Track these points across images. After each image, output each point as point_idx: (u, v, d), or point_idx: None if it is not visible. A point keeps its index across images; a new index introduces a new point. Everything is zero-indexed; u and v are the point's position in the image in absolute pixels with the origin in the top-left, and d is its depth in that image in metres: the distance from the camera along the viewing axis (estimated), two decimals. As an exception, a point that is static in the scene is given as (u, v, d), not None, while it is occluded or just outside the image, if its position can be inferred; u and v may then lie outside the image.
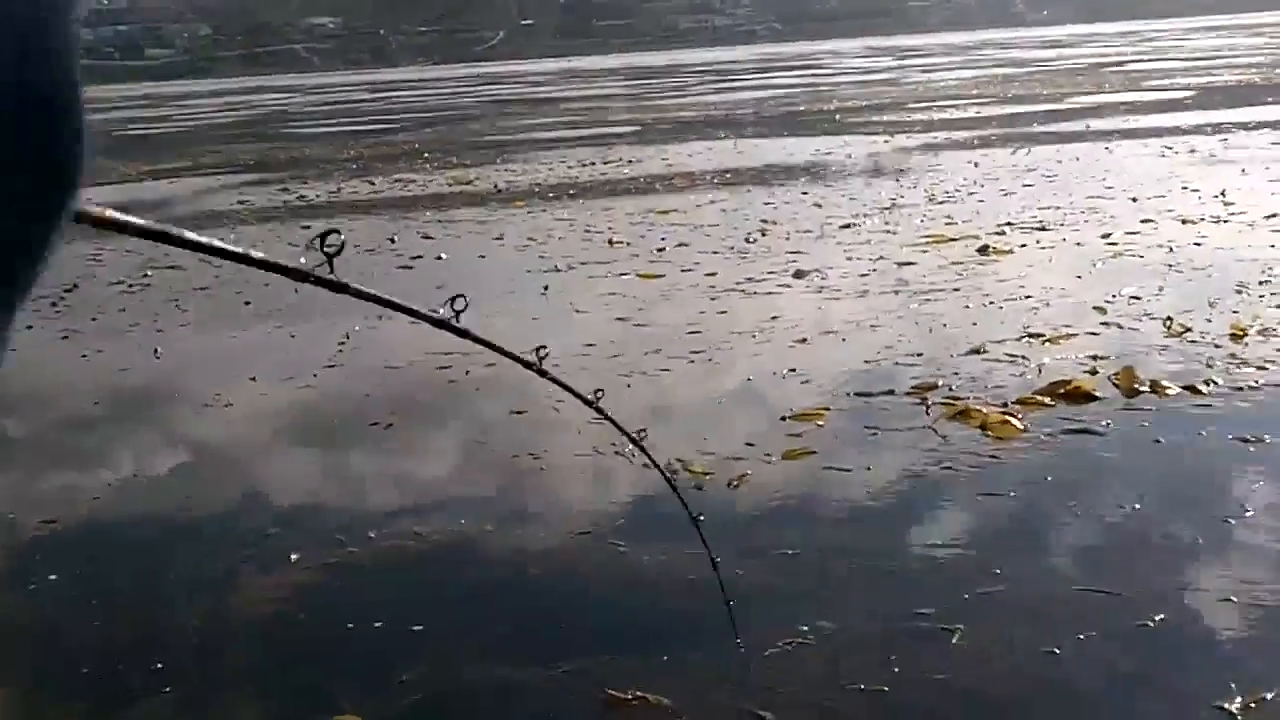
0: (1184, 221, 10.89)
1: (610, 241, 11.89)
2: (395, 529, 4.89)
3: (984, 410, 5.66)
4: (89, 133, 0.48)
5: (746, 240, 11.47)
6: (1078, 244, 10.27)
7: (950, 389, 6.13)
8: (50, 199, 0.48)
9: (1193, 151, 16.90)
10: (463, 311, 1.98)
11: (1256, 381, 5.96)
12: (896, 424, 5.71)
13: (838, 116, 28.88)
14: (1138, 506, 4.55)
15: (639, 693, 3.49)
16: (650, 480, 4.90)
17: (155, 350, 8.39)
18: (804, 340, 7.46)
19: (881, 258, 10.16)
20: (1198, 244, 9.78)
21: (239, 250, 1.38)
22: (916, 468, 5.14)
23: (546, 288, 9.75)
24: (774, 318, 8.12)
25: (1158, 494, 4.66)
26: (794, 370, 6.80)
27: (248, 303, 9.66)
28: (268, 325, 8.73)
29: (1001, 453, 5.23)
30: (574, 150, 23.22)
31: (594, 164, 20.43)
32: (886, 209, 13.00)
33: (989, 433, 5.42)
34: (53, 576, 4.62)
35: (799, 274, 9.57)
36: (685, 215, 13.53)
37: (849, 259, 10.20)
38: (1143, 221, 11.07)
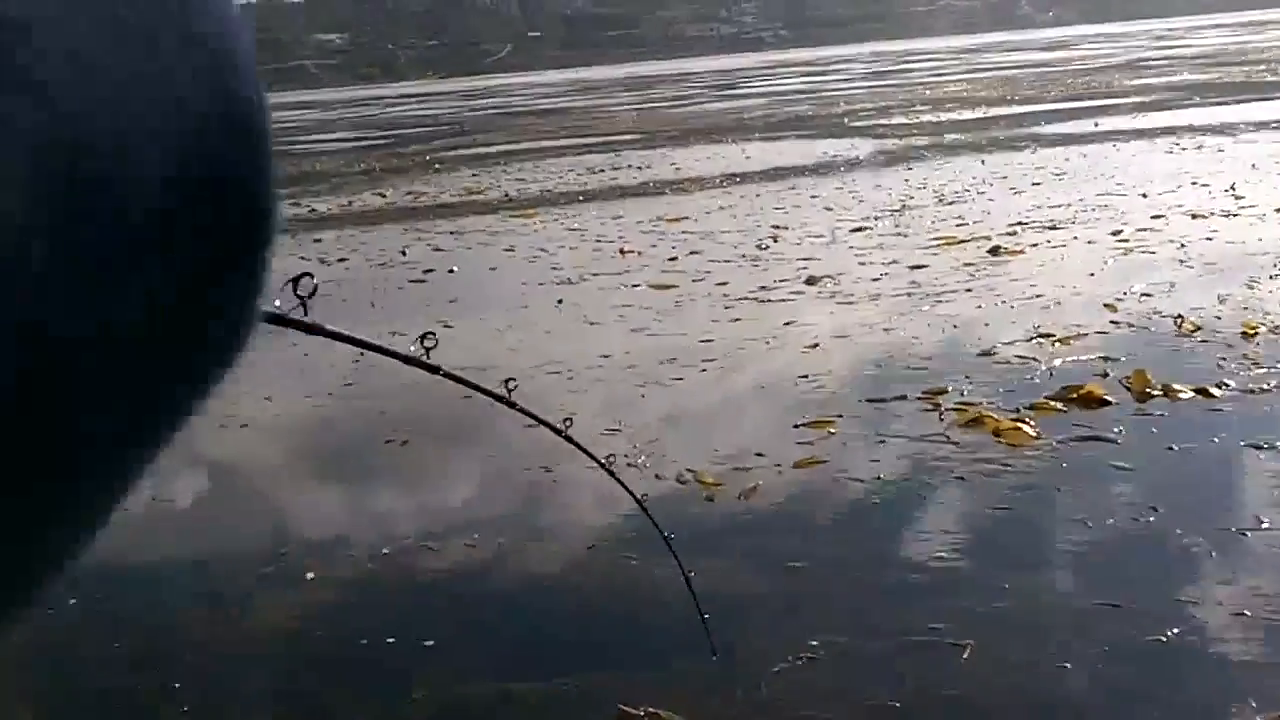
0: (1194, 216, 10.88)
1: (621, 251, 11.86)
2: (408, 545, 4.90)
3: (996, 417, 5.63)
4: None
5: (758, 247, 11.45)
6: (1089, 242, 10.27)
7: (962, 394, 6.11)
8: (253, 238, 0.37)
9: (1201, 147, 16.88)
10: (433, 348, 1.97)
11: (1268, 384, 5.93)
12: (908, 431, 5.68)
13: (846, 120, 28.89)
14: (1150, 518, 4.50)
15: (651, 708, 3.48)
16: (660, 492, 4.94)
17: None
18: (816, 346, 7.45)
19: (894, 261, 10.15)
20: (1208, 239, 9.78)
21: None
22: (928, 477, 5.11)
23: (560, 301, 9.72)
24: (786, 324, 8.12)
25: (1170, 504, 4.60)
26: (805, 377, 6.79)
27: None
28: (283, 343, 8.57)
29: (1013, 460, 5.19)
30: (583, 158, 23.24)
31: (603, 171, 20.45)
32: (897, 211, 13.00)
33: (1001, 439, 5.39)
34: (71, 601, 4.62)
35: (811, 280, 9.55)
36: (696, 223, 13.52)
37: (861, 263, 10.19)
38: (1153, 217, 11.07)
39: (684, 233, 12.81)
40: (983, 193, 13.93)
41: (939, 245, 10.70)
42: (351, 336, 1.73)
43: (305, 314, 1.45)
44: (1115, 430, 5.42)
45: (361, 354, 8.17)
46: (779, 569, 4.30)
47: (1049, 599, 3.96)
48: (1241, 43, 56.15)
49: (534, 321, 9.05)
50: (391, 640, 4.03)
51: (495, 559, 4.71)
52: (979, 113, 27.47)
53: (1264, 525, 4.38)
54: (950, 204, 13.22)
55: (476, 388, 2.29)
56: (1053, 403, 5.79)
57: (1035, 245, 10.29)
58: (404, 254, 12.89)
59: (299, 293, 1.43)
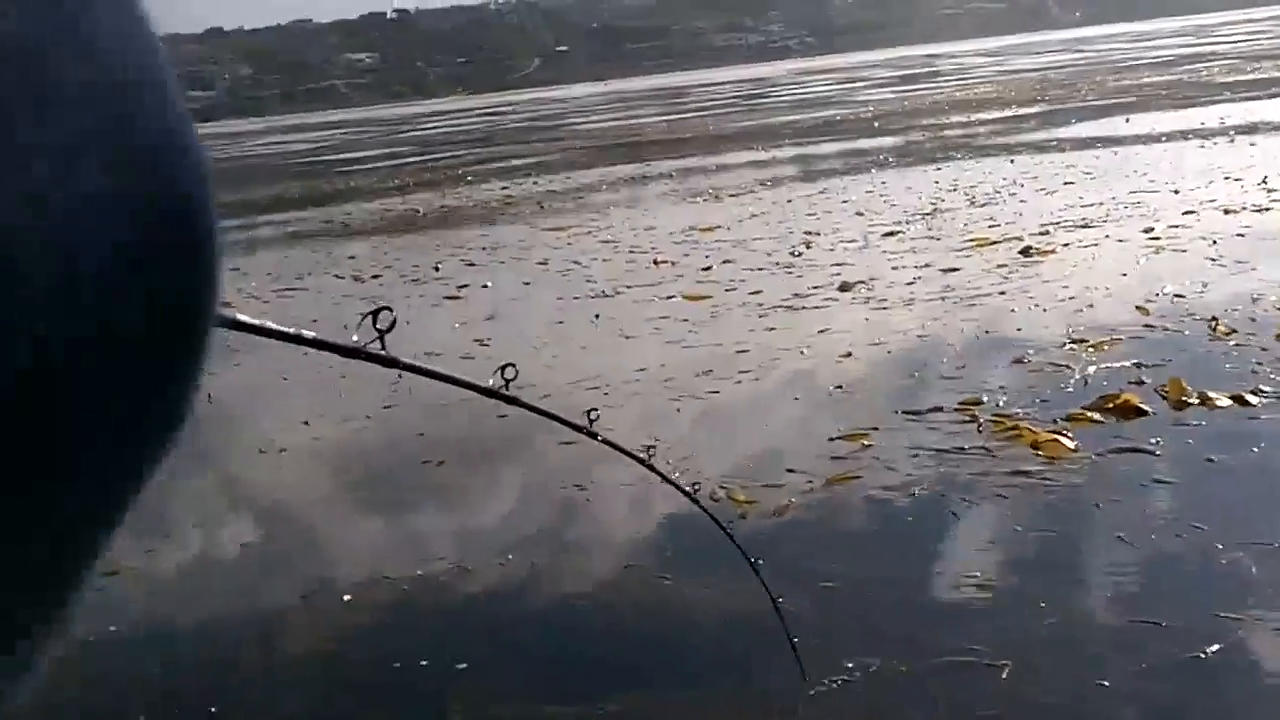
0: (1226, 211, 10.83)
1: (655, 262, 11.87)
2: (444, 566, 4.92)
3: (1034, 429, 5.57)
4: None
5: (791, 254, 11.46)
6: (1120, 240, 10.22)
7: (998, 404, 6.06)
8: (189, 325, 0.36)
9: (1233, 141, 16.83)
10: (512, 380, 1.95)
11: (1306, 390, 5.85)
12: (945, 444, 5.63)
13: (875, 124, 28.87)
14: (1189, 534, 4.44)
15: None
16: (693, 511, 4.93)
17: (207, 395, 8.32)
18: (850, 355, 7.44)
19: (926, 265, 10.14)
20: (1240, 235, 9.71)
21: (289, 331, 1.37)
22: (965, 493, 5.06)
23: (597, 316, 9.73)
24: (820, 332, 8.12)
25: (1211, 519, 4.53)
26: (840, 388, 6.77)
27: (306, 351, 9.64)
28: (321, 366, 8.44)
29: (1052, 474, 5.13)
30: (613, 169, 23.30)
31: (634, 182, 20.54)
32: (928, 215, 12.98)
33: (1040, 452, 5.34)
34: (112, 627, 4.69)
35: (844, 286, 9.56)
36: (729, 231, 13.53)
37: (894, 268, 10.19)
38: (1185, 214, 11.02)
39: (717, 241, 12.83)
40: (1014, 194, 13.89)
41: (971, 246, 10.70)
42: (431, 370, 1.72)
43: (383, 347, 1.44)
44: (1152, 441, 5.35)
45: (400, 375, 8.15)
46: (813, 590, 4.26)
47: (1088, 617, 3.92)
48: (1273, 37, 55.71)
49: (570, 336, 9.08)
50: (425, 663, 4.05)
51: (529, 579, 4.71)
52: (1008, 113, 27.39)
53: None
54: (981, 205, 13.21)
55: (559, 419, 2.27)
56: (1089, 413, 5.73)
57: (1067, 245, 10.26)
58: (437, 270, 12.96)
59: (378, 327, 1.42)
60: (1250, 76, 31.07)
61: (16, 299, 0.30)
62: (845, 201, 14.92)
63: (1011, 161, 17.10)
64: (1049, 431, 5.52)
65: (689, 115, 45.99)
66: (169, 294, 0.35)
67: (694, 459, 5.76)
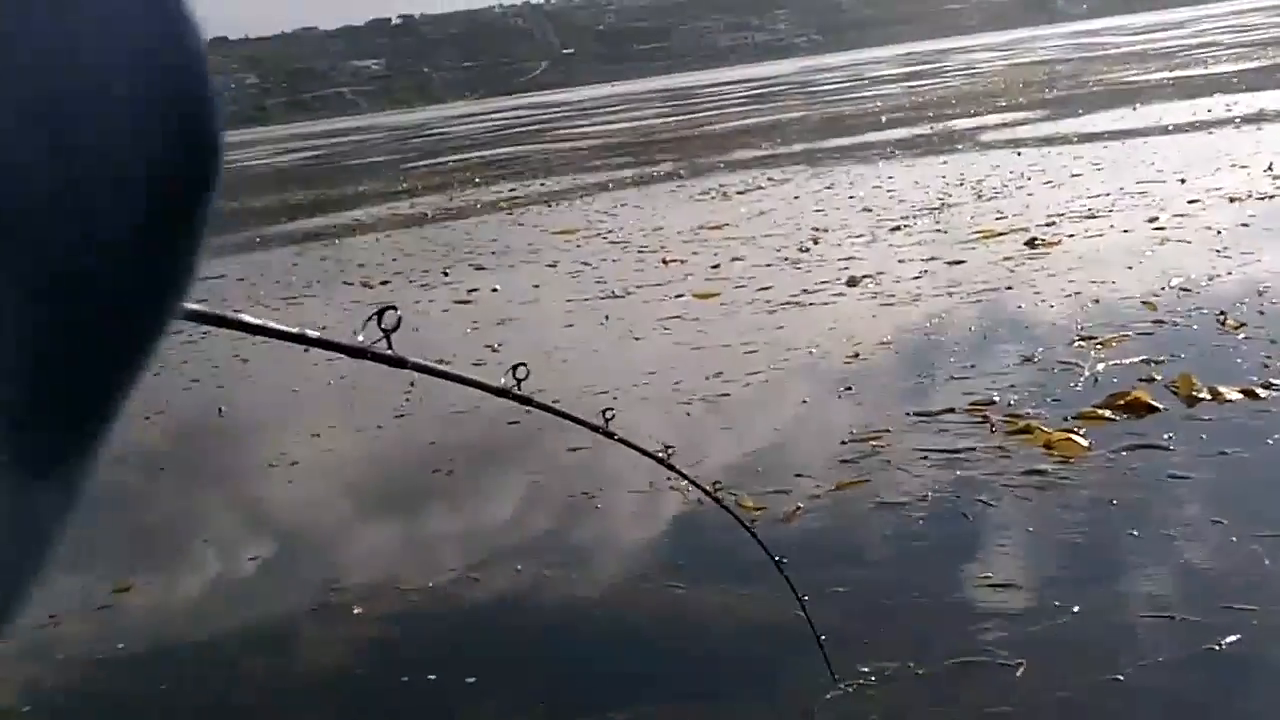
0: (1231, 200, 10.80)
1: (665, 261, 11.93)
2: (454, 577, 4.90)
3: (1046, 429, 5.53)
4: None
5: (799, 250, 11.49)
6: (1124, 231, 10.21)
7: (1009, 404, 6.02)
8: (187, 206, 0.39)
9: (1239, 128, 16.84)
10: (524, 380, 1.92)
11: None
12: (957, 445, 5.59)
13: (883, 119, 28.87)
14: (1207, 527, 4.42)
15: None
16: (704, 517, 4.89)
17: (219, 409, 8.36)
18: (858, 355, 7.40)
19: (933, 258, 10.16)
20: (1245, 225, 9.66)
21: (294, 331, 1.38)
22: (980, 493, 5.02)
23: (606, 318, 9.76)
24: (829, 330, 8.11)
25: (1228, 512, 4.51)
26: (850, 389, 6.74)
27: (306, 350, 9.67)
28: (333, 375, 8.49)
29: (1067, 473, 5.10)
30: (620, 171, 23.27)
31: (642, 183, 20.52)
32: (935, 209, 13.00)
33: (1053, 452, 5.30)
34: (120, 645, 4.70)
35: (852, 281, 9.59)
36: (738, 229, 13.56)
37: (900, 261, 10.22)
38: (1190, 203, 11.00)
39: (726, 239, 12.87)
40: (1021, 187, 13.89)
41: (977, 240, 10.73)
42: (440, 370, 1.71)
43: (389, 347, 1.45)
44: (1165, 437, 5.31)
45: (413, 382, 8.24)
46: (825, 595, 4.21)
47: (1103, 614, 3.90)
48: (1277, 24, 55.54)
49: (581, 339, 9.10)
50: (434, 676, 4.04)
51: (539, 589, 4.69)
52: (1016, 106, 27.35)
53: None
54: (988, 199, 13.21)
55: (573, 419, 2.24)
56: (1101, 411, 5.70)
57: (1073, 236, 10.28)
58: (446, 275, 13.00)
59: (383, 326, 1.43)
60: (1256, 64, 31.00)
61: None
62: (852, 198, 14.93)
63: (1019, 154, 17.10)
64: (1062, 431, 5.48)
65: (696, 115, 45.97)
66: (193, 134, 0.39)
67: (704, 464, 5.71)
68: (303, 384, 8.62)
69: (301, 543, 5.71)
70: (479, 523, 5.63)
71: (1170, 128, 18.32)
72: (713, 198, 17.25)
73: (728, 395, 6.98)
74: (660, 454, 2.60)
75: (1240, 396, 5.67)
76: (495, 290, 11.68)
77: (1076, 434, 5.43)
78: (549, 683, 3.96)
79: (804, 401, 6.69)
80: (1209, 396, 5.71)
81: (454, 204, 21.39)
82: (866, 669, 3.68)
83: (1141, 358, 6.48)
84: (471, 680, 3.98)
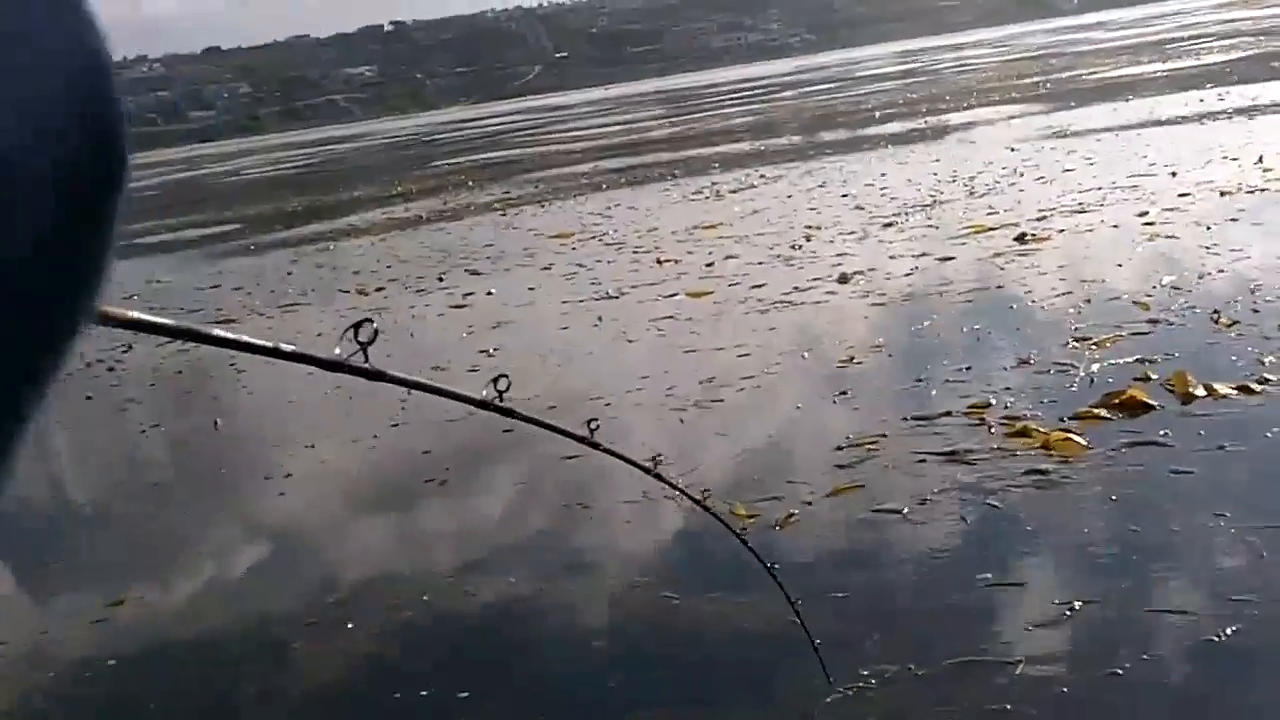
0: (1222, 194, 10.79)
1: (659, 261, 11.99)
2: (448, 590, 4.88)
3: (1044, 430, 5.51)
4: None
5: (792, 247, 11.55)
6: (1114, 226, 10.21)
7: (1006, 406, 5.98)
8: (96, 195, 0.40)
9: (1232, 119, 16.92)
10: (505, 391, 1.88)
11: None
12: (956, 447, 5.54)
13: (876, 116, 28.93)
14: (1206, 521, 4.41)
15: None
16: (699, 526, 4.86)
17: (215, 422, 8.34)
18: (852, 359, 7.34)
19: (924, 254, 10.21)
20: (1234, 219, 9.63)
21: (269, 344, 1.35)
22: (979, 495, 4.99)
23: (600, 319, 9.79)
24: (822, 332, 8.07)
25: (1227, 506, 4.50)
26: (845, 394, 6.68)
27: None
28: (329, 385, 8.22)
29: (1067, 472, 5.08)
30: (615, 174, 23.25)
31: (637, 184, 20.54)
32: (927, 205, 13.04)
33: (1053, 452, 5.29)
34: (111, 661, 4.68)
35: (843, 279, 9.63)
36: (731, 228, 13.63)
37: (891, 258, 10.28)
38: (1180, 196, 11.02)
39: (719, 238, 12.95)
40: (1013, 183, 13.91)
41: (968, 235, 10.78)
42: (417, 382, 1.67)
43: (366, 359, 1.43)
44: (1162, 434, 5.31)
45: (409, 393, 8.11)
46: (823, 600, 4.20)
47: (1104, 610, 3.90)
48: (1273, 19, 55.56)
49: (575, 342, 9.12)
50: (426, 692, 4.02)
51: (533, 601, 4.67)
52: (1008, 100, 27.39)
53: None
54: (981, 195, 13.25)
55: (557, 430, 2.20)
56: (1098, 411, 5.68)
57: (1063, 231, 10.29)
58: (441, 280, 13.02)
59: (359, 339, 1.40)
60: (1247, 55, 31.06)
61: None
62: (845, 195, 14.96)
63: (1012, 150, 17.13)
64: (1060, 431, 5.47)
65: (690, 116, 45.97)
66: (97, 132, 0.41)
67: (698, 471, 5.70)
68: (299, 395, 8.59)
69: (295, 556, 5.68)
70: (472, 534, 5.61)
71: (1161, 120, 18.37)
72: (706, 197, 17.31)
73: (721, 401, 6.94)
74: (649, 464, 2.58)
75: (1236, 393, 5.66)
76: (490, 294, 11.71)
77: (1075, 434, 5.41)
78: (544, 695, 3.95)
79: (798, 407, 6.65)
80: (1204, 393, 5.69)
81: (448, 209, 21.41)
82: (865, 671, 3.68)
83: (1136, 357, 6.45)
84: (465, 694, 3.97)
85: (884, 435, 5.86)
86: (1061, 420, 5.64)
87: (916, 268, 9.72)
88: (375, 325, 1.41)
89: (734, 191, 17.38)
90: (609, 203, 18.50)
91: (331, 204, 26.88)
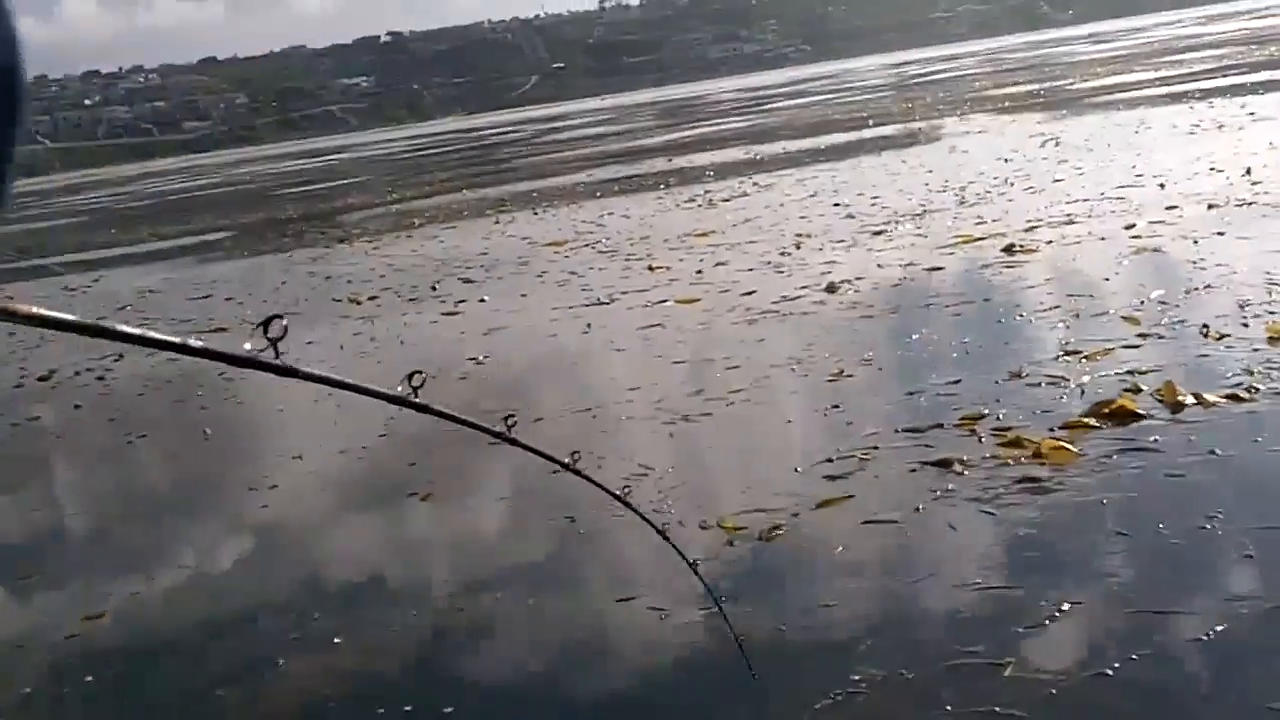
0: (1210, 207, 10.76)
1: (650, 268, 12.09)
2: (434, 605, 4.84)
3: (1035, 439, 5.50)
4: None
5: (781, 254, 11.65)
6: (1102, 238, 10.19)
7: (998, 418, 5.94)
8: None
9: (1220, 130, 17.03)
10: (420, 387, 1.88)
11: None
12: (947, 458, 5.50)
13: (870, 124, 29.06)
14: (1199, 522, 4.40)
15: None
16: (688, 537, 4.82)
17: (204, 431, 8.32)
18: (842, 373, 7.26)
19: (911, 264, 10.26)
20: (1220, 233, 9.57)
21: (176, 340, 1.35)
22: (970, 503, 4.97)
23: (589, 326, 9.85)
24: (810, 345, 8.02)
25: (1221, 507, 4.50)
26: (836, 407, 6.61)
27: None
28: (318, 395, 8.14)
29: (1060, 479, 5.07)
30: (609, 182, 23.29)
31: (630, 193, 20.63)
32: (917, 215, 13.10)
33: (1045, 460, 5.28)
34: (88, 676, 4.63)
35: (831, 288, 9.68)
36: (723, 236, 13.72)
37: (879, 267, 10.34)
38: (1167, 209, 11.01)
39: (710, 246, 13.07)
40: (1003, 193, 13.95)
41: (956, 245, 10.83)
42: (327, 378, 1.67)
43: (277, 355, 1.44)
44: (1152, 440, 5.31)
45: (395, 407, 8.02)
46: (811, 610, 4.20)
47: (1093, 611, 3.90)
48: (1266, 28, 55.71)
49: (563, 350, 9.15)
50: (409, 709, 3.97)
51: (517, 615, 4.62)
52: (1003, 109, 27.50)
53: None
54: (971, 205, 13.29)
55: (472, 425, 2.18)
56: (1086, 420, 5.67)
57: (1050, 243, 10.29)
58: (434, 289, 13.06)
59: (269, 335, 1.42)
60: (1236, 65, 31.18)
61: None
62: (837, 205, 15.03)
63: (1005, 161, 17.20)
64: (1051, 440, 5.46)
65: (685, 125, 46.03)
66: None
67: (686, 486, 5.69)
68: (288, 405, 8.55)
69: (279, 569, 5.63)
70: (458, 550, 5.57)
71: (1151, 131, 18.47)
72: (699, 205, 17.41)
73: (710, 414, 6.86)
74: (567, 460, 2.62)
75: (1225, 401, 5.66)
76: (483, 301, 11.77)
77: (1066, 443, 5.41)
78: (528, 713, 3.93)
79: (789, 421, 6.60)
80: (1194, 402, 5.69)
81: (443, 218, 21.45)
82: (857, 676, 3.67)
83: (1126, 369, 6.41)
84: (449, 710, 3.93)
85: (874, 447, 5.83)
86: (1052, 431, 5.62)
87: (906, 278, 9.76)
88: (285, 322, 1.43)
89: (726, 200, 17.48)
90: (603, 211, 18.56)
91: (326, 213, 26.91)
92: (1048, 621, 3.85)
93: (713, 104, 68.52)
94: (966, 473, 5.29)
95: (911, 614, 4.10)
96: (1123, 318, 7.49)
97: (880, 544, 4.74)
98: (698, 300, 10.06)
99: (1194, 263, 8.72)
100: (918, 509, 4.98)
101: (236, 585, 5.47)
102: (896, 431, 6.01)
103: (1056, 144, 18.38)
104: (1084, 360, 6.72)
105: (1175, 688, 3.41)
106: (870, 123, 30.22)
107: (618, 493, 2.90)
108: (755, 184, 19.00)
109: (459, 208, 23.17)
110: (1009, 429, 5.75)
